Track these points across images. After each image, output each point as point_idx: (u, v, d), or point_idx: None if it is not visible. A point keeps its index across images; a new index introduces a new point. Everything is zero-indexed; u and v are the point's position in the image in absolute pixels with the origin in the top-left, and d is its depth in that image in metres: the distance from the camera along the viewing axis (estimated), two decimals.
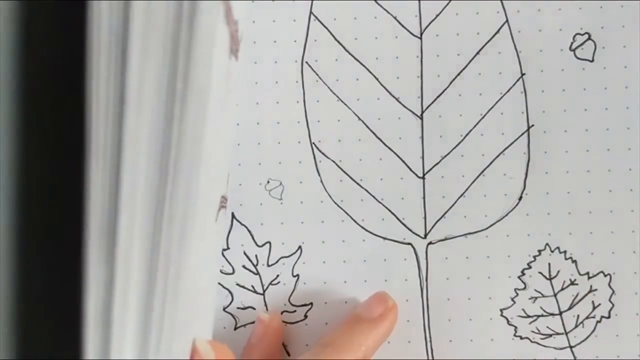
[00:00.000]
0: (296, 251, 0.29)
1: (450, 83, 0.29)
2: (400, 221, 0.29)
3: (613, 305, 0.29)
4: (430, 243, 0.29)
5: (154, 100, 0.14)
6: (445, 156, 0.29)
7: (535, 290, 0.29)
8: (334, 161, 0.29)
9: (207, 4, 0.14)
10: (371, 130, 0.29)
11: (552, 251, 0.29)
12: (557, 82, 0.29)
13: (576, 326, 0.29)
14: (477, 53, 0.29)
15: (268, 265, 0.29)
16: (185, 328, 0.18)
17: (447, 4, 0.29)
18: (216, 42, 0.15)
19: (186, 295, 0.17)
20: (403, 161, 0.29)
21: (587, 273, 0.29)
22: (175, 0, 0.14)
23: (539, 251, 0.29)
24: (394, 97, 0.29)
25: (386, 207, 0.29)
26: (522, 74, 0.29)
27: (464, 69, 0.29)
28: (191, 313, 0.19)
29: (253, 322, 0.29)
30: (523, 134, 0.29)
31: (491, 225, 0.29)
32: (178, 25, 0.14)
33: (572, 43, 0.29)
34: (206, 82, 0.15)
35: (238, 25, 0.23)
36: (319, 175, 0.29)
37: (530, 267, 0.29)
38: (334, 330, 0.27)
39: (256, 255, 0.29)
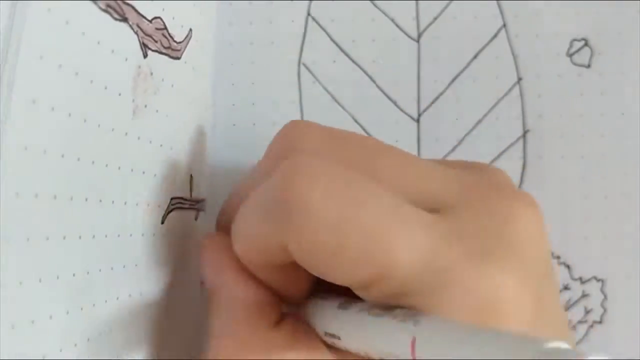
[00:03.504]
0: None
1: (447, 87, 0.29)
2: None
3: (605, 310, 0.29)
4: None
5: None
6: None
7: None
8: None
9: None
10: (368, 133, 0.29)
11: None
12: (553, 88, 0.29)
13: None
14: (475, 57, 0.29)
15: None
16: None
17: (445, 7, 0.29)
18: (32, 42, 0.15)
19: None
20: None
21: (580, 278, 0.29)
22: None
23: None
24: (390, 100, 0.29)
25: None
26: (519, 79, 0.29)
27: (461, 72, 0.29)
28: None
29: None
30: (519, 138, 0.29)
31: None
32: None
33: (569, 49, 0.29)
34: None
35: (165, 23, 0.22)
36: None
37: None
38: None
39: None
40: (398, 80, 0.29)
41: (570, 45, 0.29)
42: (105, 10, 0.18)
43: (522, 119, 0.29)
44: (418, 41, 0.29)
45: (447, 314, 0.17)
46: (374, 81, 0.29)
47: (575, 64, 0.29)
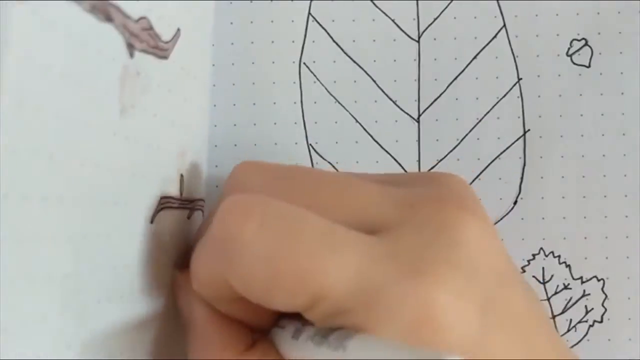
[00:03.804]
0: None
1: (448, 87, 0.29)
2: None
3: (606, 309, 0.29)
4: None
5: None
6: (442, 160, 0.29)
7: None
8: (330, 163, 0.29)
9: None
10: (368, 133, 0.29)
11: (546, 255, 0.29)
12: (553, 88, 0.29)
13: (569, 330, 0.29)
14: (475, 57, 0.29)
15: None
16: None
17: (445, 7, 0.29)
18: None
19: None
20: (399, 164, 0.29)
21: (581, 277, 0.29)
22: None
23: (533, 255, 0.29)
24: (391, 100, 0.29)
25: None
26: (519, 79, 0.29)
27: (461, 73, 0.29)
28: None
29: None
30: (519, 138, 0.29)
31: None
32: None
33: (569, 49, 0.29)
34: None
35: (152, 23, 0.22)
36: None
37: (524, 271, 0.29)
38: None
39: None
40: (398, 80, 0.29)
41: (570, 45, 0.29)
42: (90, 12, 0.18)
43: (522, 119, 0.29)
44: (418, 41, 0.29)
45: (380, 332, 0.17)
46: (374, 81, 0.29)
47: (575, 63, 0.29)
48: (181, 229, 0.26)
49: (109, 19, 0.19)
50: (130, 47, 0.21)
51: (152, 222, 0.23)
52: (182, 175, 0.26)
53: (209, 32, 0.29)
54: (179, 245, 0.26)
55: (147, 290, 0.24)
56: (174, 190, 0.25)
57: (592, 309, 0.29)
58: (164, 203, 0.24)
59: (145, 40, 0.22)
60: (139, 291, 0.23)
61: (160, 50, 0.23)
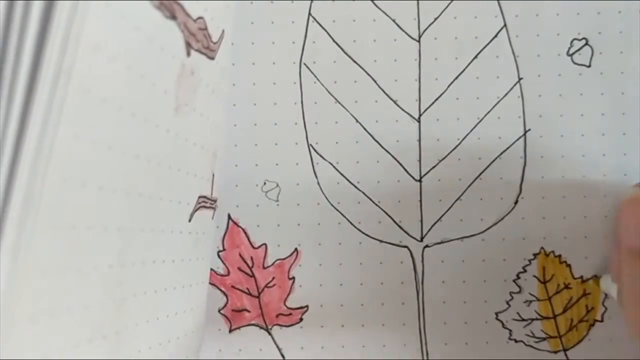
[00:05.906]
0: (292, 253, 0.29)
1: (448, 86, 0.29)
2: (397, 224, 0.29)
3: (606, 309, 0.29)
4: (426, 246, 0.29)
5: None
6: (442, 159, 0.29)
7: (530, 294, 0.29)
8: (331, 163, 0.29)
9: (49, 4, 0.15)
10: (369, 133, 0.29)
11: (547, 255, 0.29)
12: (554, 87, 0.29)
13: (570, 329, 0.29)
14: (475, 57, 0.29)
15: (264, 268, 0.29)
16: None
17: (446, 7, 0.29)
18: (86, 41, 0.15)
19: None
20: (400, 164, 0.29)
21: (581, 277, 0.29)
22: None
23: (534, 255, 0.29)
24: (391, 99, 0.29)
25: (383, 210, 0.29)
26: (520, 79, 0.29)
27: (461, 72, 0.29)
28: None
29: (248, 325, 0.29)
30: (520, 138, 0.29)
31: (487, 229, 0.29)
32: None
33: (569, 48, 0.29)
34: (53, 85, 0.15)
35: (206, 23, 0.23)
36: (316, 177, 0.29)
37: (525, 271, 0.29)
38: None
39: (252, 257, 0.29)
40: (399, 80, 0.29)
41: (571, 45, 0.29)
42: (157, 8, 0.19)
43: (522, 118, 0.29)
44: (419, 41, 0.29)
45: None
46: (374, 81, 0.29)
47: (575, 63, 0.29)
48: (209, 228, 0.27)
49: (173, 16, 0.20)
50: (188, 46, 0.21)
51: (190, 220, 0.24)
52: (213, 175, 0.26)
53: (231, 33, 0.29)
54: (207, 244, 0.27)
55: (180, 285, 0.24)
56: (207, 190, 0.25)
57: (593, 308, 0.29)
58: (200, 202, 0.25)
59: (201, 40, 0.22)
60: (173, 286, 0.23)
61: (210, 51, 0.23)
